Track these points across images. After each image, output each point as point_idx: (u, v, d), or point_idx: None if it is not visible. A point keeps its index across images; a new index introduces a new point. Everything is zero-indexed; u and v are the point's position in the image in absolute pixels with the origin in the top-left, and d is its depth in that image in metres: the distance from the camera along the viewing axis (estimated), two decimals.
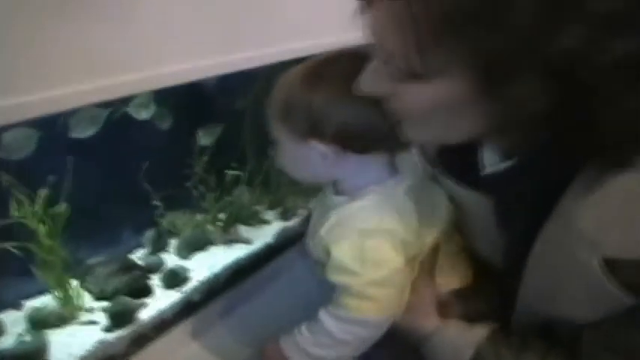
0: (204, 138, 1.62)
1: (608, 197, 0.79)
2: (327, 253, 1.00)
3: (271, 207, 1.86)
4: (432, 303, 1.05)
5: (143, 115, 1.47)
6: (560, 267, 0.86)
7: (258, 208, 1.82)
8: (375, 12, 0.77)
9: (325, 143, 0.97)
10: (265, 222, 1.80)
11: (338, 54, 1.00)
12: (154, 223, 1.62)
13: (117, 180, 1.51)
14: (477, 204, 1.01)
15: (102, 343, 1.24)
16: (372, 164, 1.01)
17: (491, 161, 0.95)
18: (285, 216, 1.83)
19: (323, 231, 1.01)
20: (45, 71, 0.91)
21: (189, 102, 1.61)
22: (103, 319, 1.32)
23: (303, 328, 1.04)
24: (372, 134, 0.95)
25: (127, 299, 1.34)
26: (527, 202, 0.90)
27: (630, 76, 0.69)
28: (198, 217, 1.68)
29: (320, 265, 1.07)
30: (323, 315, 1.01)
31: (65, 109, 0.97)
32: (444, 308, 1.05)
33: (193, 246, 1.61)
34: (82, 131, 1.36)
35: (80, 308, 1.35)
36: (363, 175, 1.02)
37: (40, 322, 1.29)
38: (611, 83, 0.69)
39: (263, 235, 1.72)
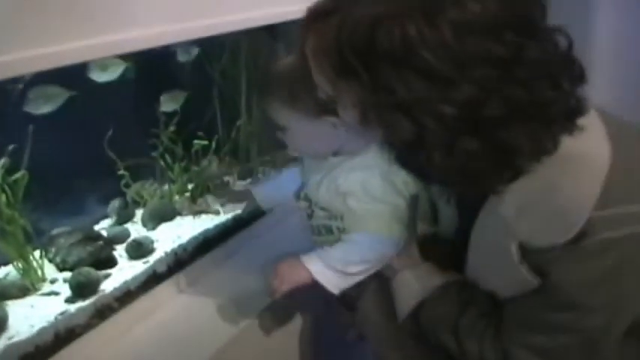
0: (167, 104, 1.58)
1: (526, 189, 0.91)
2: (347, 193, 1.17)
3: (241, 177, 1.83)
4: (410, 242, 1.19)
5: (108, 79, 1.43)
6: (489, 247, 1.01)
7: (227, 178, 1.80)
8: (307, 43, 0.92)
9: (334, 115, 1.05)
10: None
11: None
12: (119, 194, 1.59)
13: (81, 149, 1.49)
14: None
15: (63, 315, 1.22)
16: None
17: None
18: None
19: (341, 180, 1.17)
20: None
21: (157, 70, 1.58)
22: (65, 290, 1.30)
23: (327, 247, 1.18)
24: None
25: (90, 270, 1.32)
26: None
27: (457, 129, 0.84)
28: (166, 187, 1.65)
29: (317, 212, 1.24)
30: (357, 236, 1.16)
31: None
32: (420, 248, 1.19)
33: (160, 217, 1.59)
34: (39, 107, 1.32)
35: (42, 279, 1.33)
36: (364, 137, 1.11)
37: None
38: (442, 131, 0.84)
39: (232, 206, 1.70)
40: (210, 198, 1.71)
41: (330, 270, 1.15)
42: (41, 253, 1.36)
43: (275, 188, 1.45)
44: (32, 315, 1.23)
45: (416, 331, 1.16)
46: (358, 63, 0.83)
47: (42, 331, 1.18)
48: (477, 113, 0.81)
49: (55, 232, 1.42)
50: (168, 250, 1.47)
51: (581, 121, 0.89)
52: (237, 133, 1.77)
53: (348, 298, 1.28)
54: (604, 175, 0.89)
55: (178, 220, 1.63)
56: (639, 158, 0.95)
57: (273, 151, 1.87)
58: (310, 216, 1.26)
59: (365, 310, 1.26)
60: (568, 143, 0.89)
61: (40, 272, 1.33)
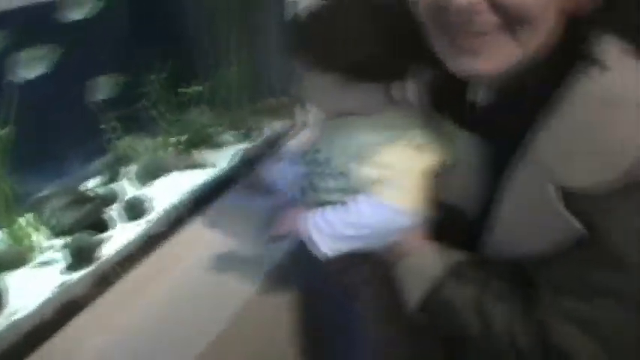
0: (101, 90, 1.38)
1: (563, 130, 0.86)
2: (361, 156, 1.05)
3: (232, 127, 1.71)
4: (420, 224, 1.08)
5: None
6: (523, 202, 0.91)
7: (219, 129, 1.68)
8: None
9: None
10: (227, 144, 1.66)
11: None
12: (105, 150, 1.46)
13: (64, 100, 1.34)
14: (464, 143, 1.04)
15: (65, 285, 1.10)
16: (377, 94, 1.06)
17: (478, 98, 1.01)
18: (247, 137, 1.69)
19: (354, 143, 1.06)
20: None
21: (145, 10, 1.44)
22: (61, 257, 1.17)
23: (330, 208, 1.08)
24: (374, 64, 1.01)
25: (90, 233, 1.20)
26: (511, 139, 0.93)
27: None
28: (157, 140, 1.53)
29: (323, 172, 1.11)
30: (362, 198, 1.05)
31: None
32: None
33: (152, 172, 1.46)
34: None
35: (35, 248, 1.19)
36: (370, 104, 1.07)
37: None
38: None
39: (226, 158, 1.59)
40: (203, 150, 1.60)
41: (324, 227, 1.05)
42: (30, 217, 1.22)
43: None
44: (30, 287, 1.09)
45: (422, 323, 1.05)
46: None
47: (45, 303, 1.06)
48: None
49: (44, 193, 1.28)
50: (167, 207, 1.36)
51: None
52: (227, 80, 1.64)
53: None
54: None
55: (173, 174, 1.50)
56: None
57: (263, 98, 1.76)
58: (315, 187, 1.13)
59: (367, 306, 1.13)
60: (605, 83, 0.84)
61: (32, 238, 1.19)
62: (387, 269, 1.08)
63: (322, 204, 1.10)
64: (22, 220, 1.21)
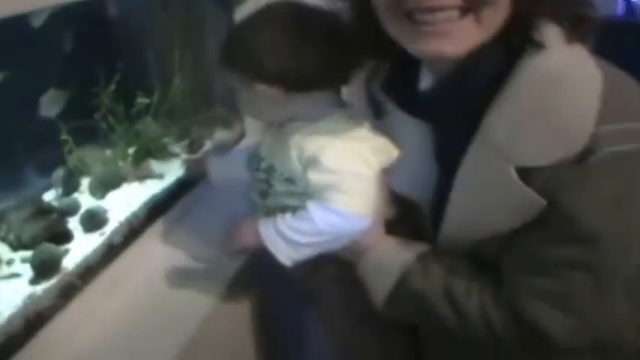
0: (49, 108, 1.39)
1: (516, 110, 0.87)
2: (308, 162, 1.05)
3: (178, 138, 1.73)
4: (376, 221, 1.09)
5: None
6: (481, 181, 0.93)
7: (166, 140, 1.69)
8: None
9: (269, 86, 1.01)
10: (174, 155, 1.68)
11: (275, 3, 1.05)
12: (61, 161, 1.45)
13: (17, 112, 1.34)
14: (417, 134, 1.05)
15: (31, 298, 1.10)
16: (319, 100, 1.06)
17: (427, 83, 1.00)
18: (191, 148, 1.71)
19: (302, 148, 1.05)
20: None
21: (94, 25, 1.44)
22: (24, 269, 1.18)
23: (286, 214, 1.07)
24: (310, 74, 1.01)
25: (51, 246, 1.20)
26: (459, 125, 0.95)
27: None
28: (108, 152, 1.53)
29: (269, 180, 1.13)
30: (310, 205, 1.04)
31: None
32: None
33: (107, 184, 1.47)
34: None
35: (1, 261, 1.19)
36: (313, 111, 1.07)
37: None
38: None
39: (175, 169, 1.61)
40: (152, 162, 1.61)
41: (280, 237, 1.05)
42: None
43: (230, 163, 1.33)
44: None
45: (389, 319, 1.08)
46: None
47: (11, 318, 1.06)
48: None
49: (1, 207, 1.27)
50: (122, 219, 1.37)
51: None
52: (172, 91, 1.66)
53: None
54: (599, 90, 0.85)
55: (125, 186, 1.51)
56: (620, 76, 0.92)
57: (213, 108, 1.78)
58: (265, 194, 1.15)
59: (328, 307, 1.19)
60: (547, 65, 0.87)
61: None
62: (352, 269, 1.09)
63: (275, 211, 1.10)
64: None
